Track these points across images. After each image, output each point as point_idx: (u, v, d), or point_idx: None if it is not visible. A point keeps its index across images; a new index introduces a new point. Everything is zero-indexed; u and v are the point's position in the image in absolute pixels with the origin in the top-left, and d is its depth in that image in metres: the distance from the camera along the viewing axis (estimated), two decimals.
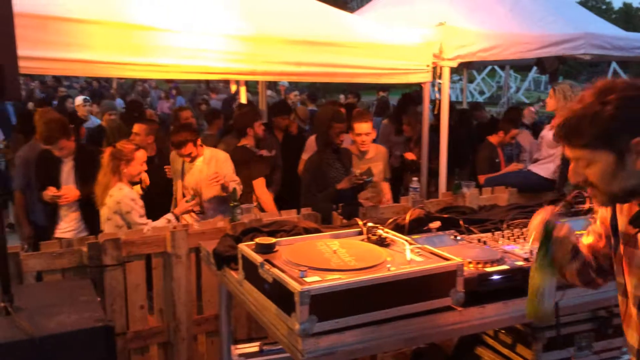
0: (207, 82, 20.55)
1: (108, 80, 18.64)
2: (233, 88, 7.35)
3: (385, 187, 5.06)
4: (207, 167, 4.57)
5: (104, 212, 4.05)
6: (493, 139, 6.01)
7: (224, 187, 4.43)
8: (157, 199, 4.81)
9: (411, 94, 7.50)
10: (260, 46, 4.04)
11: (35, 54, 3.30)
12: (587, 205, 3.17)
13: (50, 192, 4.33)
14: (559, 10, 6.23)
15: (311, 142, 5.38)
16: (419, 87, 5.37)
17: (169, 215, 4.22)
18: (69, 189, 4.39)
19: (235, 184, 4.49)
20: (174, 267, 3.49)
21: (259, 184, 4.80)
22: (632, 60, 10.70)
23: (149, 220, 4.06)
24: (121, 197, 3.98)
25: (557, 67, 7.37)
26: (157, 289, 3.54)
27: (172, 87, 16.34)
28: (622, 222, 1.71)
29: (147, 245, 3.44)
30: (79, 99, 8.96)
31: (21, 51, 2.39)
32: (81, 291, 2.81)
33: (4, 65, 2.28)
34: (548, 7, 6.13)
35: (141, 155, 4.15)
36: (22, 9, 2.71)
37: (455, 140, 5.74)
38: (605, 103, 1.52)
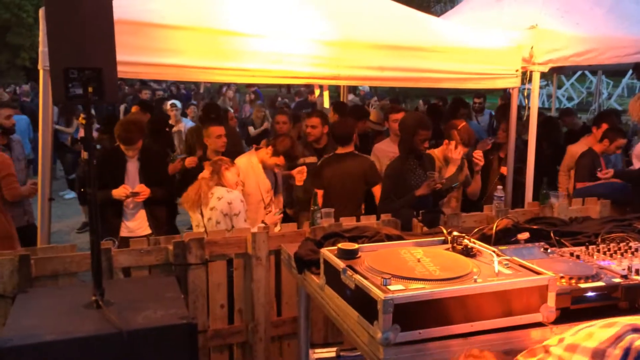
0: (288, 86, 20.90)
1: (197, 84, 19.31)
2: (317, 92, 7.40)
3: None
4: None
5: (205, 212, 4.14)
6: (596, 146, 5.70)
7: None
8: None
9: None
10: (345, 51, 4.04)
11: (130, 58, 3.46)
12: None
13: (124, 190, 4.47)
14: None
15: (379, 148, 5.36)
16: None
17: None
18: (143, 187, 4.51)
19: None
20: (254, 269, 3.54)
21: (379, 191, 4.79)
22: None
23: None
24: (232, 198, 4.09)
25: None
26: (237, 290, 3.61)
27: (251, 91, 16.68)
28: None
29: (229, 245, 3.50)
30: (167, 104, 9.40)
31: (118, 56, 2.50)
32: (167, 288, 2.90)
33: (104, 69, 2.39)
34: None
35: (235, 167, 4.29)
36: (119, 16, 2.85)
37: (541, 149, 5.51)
38: None
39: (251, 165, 4.64)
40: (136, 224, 4.62)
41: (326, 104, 6.52)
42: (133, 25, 3.49)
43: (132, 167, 4.63)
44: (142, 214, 4.63)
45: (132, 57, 3.49)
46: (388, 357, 1.84)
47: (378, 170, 4.87)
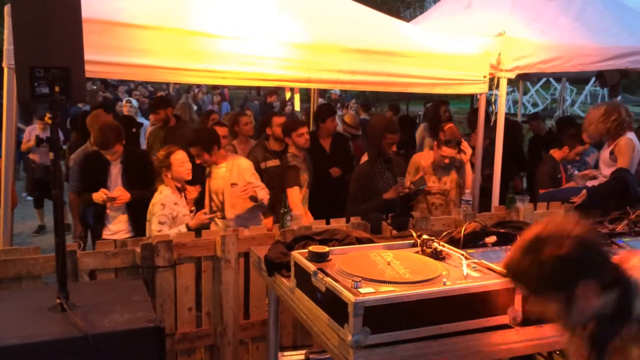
0: (258, 89, 20.82)
1: (167, 85, 19.13)
2: (288, 95, 7.40)
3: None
4: (230, 174, 4.60)
5: (152, 218, 4.18)
6: (556, 153, 5.83)
7: (253, 198, 4.45)
8: None
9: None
10: (316, 54, 4.05)
11: (99, 58, 3.39)
12: None
13: (103, 194, 4.41)
14: (625, 21, 5.98)
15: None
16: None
17: (182, 227, 4.10)
18: (121, 192, 4.46)
19: (263, 191, 4.52)
20: (223, 271, 3.51)
21: (293, 193, 4.75)
22: None
23: (164, 229, 4.06)
24: (156, 200, 4.14)
25: (619, 81, 7.11)
26: (205, 292, 3.57)
27: (217, 92, 16.55)
28: None
29: (197, 248, 3.47)
30: (123, 101, 9.43)
31: (87, 55, 2.46)
32: (134, 291, 2.86)
33: (72, 69, 2.35)
34: (614, 18, 5.89)
35: (180, 157, 4.23)
36: (87, 15, 2.80)
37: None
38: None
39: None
40: (118, 227, 4.55)
41: (297, 106, 6.52)
42: (102, 24, 3.43)
43: (115, 170, 4.58)
44: (124, 217, 4.58)
45: (101, 57, 3.42)
46: None
47: (293, 175, 4.83)
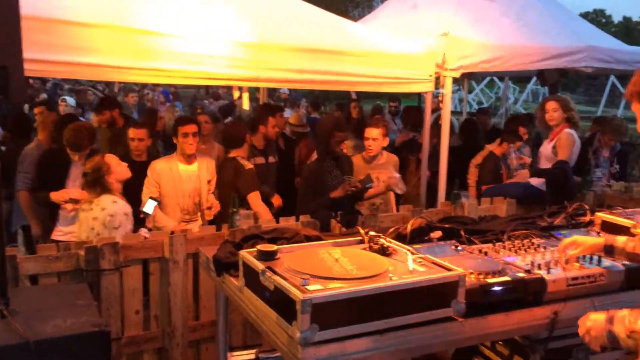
0: (207, 87, 20.55)
1: (109, 84, 18.63)
2: (236, 94, 7.33)
3: (391, 197, 5.15)
4: (205, 173, 4.59)
5: (87, 221, 3.86)
6: (496, 150, 6.01)
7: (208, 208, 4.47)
8: None
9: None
10: (264, 53, 4.04)
11: (41, 56, 3.29)
12: (587, 218, 3.17)
13: (65, 194, 4.27)
14: (563, 22, 6.23)
15: None
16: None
17: (143, 231, 4.02)
18: (80, 194, 4.29)
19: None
20: (171, 273, 3.47)
21: (254, 198, 4.70)
22: (631, 74, 10.62)
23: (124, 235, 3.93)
24: (115, 210, 3.83)
25: (558, 80, 7.37)
26: (153, 295, 3.52)
27: (159, 92, 16.24)
28: None
29: (145, 250, 3.42)
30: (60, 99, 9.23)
31: (27, 54, 2.38)
32: (78, 295, 2.78)
33: (9, 67, 2.27)
34: (552, 19, 6.12)
35: (112, 159, 4.01)
36: (28, 12, 2.71)
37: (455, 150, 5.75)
38: None
39: (169, 168, 4.52)
40: (70, 228, 4.38)
41: (245, 105, 6.48)
42: (44, 22, 3.32)
43: (77, 170, 4.42)
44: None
45: (43, 55, 3.32)
46: (307, 357, 1.87)
47: (251, 180, 4.78)
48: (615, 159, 6.33)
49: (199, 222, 4.54)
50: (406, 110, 7.71)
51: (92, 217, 3.83)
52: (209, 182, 4.64)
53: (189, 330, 3.61)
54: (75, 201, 4.28)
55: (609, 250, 2.41)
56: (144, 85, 15.49)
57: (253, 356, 3.02)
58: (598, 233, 2.95)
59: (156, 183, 4.45)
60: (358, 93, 11.58)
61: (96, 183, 3.89)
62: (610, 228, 2.91)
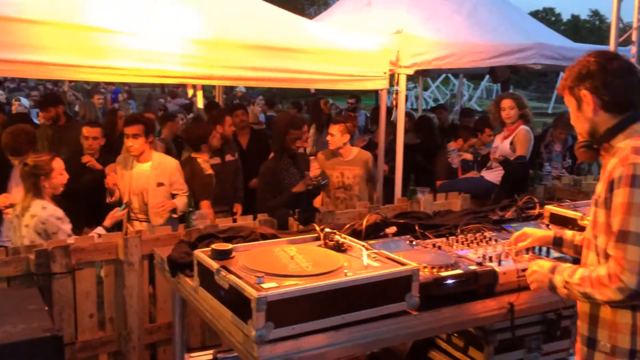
0: (163, 86, 20.23)
1: (57, 82, 18.13)
2: (190, 92, 7.27)
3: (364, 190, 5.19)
4: (155, 173, 4.44)
5: (21, 229, 3.66)
6: (451, 145, 6.12)
7: (173, 211, 4.37)
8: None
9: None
10: (218, 50, 4.01)
11: None
12: (536, 211, 3.26)
13: (5, 199, 4.13)
14: (512, 20, 6.40)
15: None
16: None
17: (99, 229, 3.93)
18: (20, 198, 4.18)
19: (183, 195, 4.42)
20: (126, 275, 3.41)
21: (205, 207, 4.66)
22: None
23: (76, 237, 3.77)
24: (46, 217, 3.63)
25: (509, 77, 7.56)
26: (108, 297, 3.45)
27: (112, 90, 15.93)
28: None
29: (98, 252, 3.35)
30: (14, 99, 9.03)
31: None
32: (28, 300, 2.71)
33: None
34: (502, 17, 6.29)
35: (59, 165, 3.80)
36: None
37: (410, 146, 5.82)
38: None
39: (125, 164, 4.44)
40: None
41: (200, 104, 6.42)
42: None
43: (19, 174, 4.26)
44: None
45: None
46: (263, 355, 1.86)
47: (206, 186, 4.75)
48: (567, 153, 6.54)
49: (145, 223, 4.42)
50: (373, 111, 7.82)
51: (24, 224, 3.66)
52: (160, 184, 4.42)
53: (145, 332, 3.55)
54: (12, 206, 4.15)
55: (558, 243, 2.48)
56: (97, 84, 15.14)
57: (211, 357, 2.99)
58: (547, 225, 3.03)
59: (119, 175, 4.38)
60: (318, 90, 11.63)
61: (30, 180, 3.68)
62: (558, 220, 3.01)
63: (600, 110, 2.03)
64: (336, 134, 4.98)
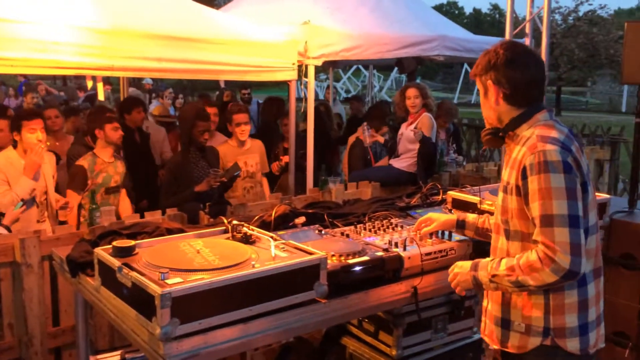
0: (64, 78, 19.24)
1: None
2: (89, 84, 6.94)
3: (264, 182, 5.21)
4: (49, 168, 4.26)
5: None
6: (360, 135, 6.23)
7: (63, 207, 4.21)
8: None
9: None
10: (119, 40, 3.85)
11: None
12: (440, 197, 3.39)
13: None
14: (416, 13, 6.58)
15: None
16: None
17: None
18: None
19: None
20: (25, 278, 3.23)
21: (70, 197, 4.43)
22: None
23: None
24: None
25: (415, 68, 7.78)
26: (6, 302, 3.26)
27: (22, 82, 14.97)
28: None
29: None
30: None
31: None
32: None
33: None
34: (407, 10, 6.45)
35: None
36: None
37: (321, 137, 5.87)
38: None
39: (10, 162, 4.12)
40: None
41: (101, 96, 6.13)
42: None
43: None
44: None
45: None
46: (169, 352, 1.82)
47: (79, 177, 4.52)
48: (451, 139, 6.86)
49: (47, 222, 4.20)
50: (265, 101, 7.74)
51: None
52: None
53: (48, 337, 3.39)
54: None
55: (461, 225, 2.60)
56: None
57: (118, 357, 2.89)
58: (450, 210, 3.16)
59: (5, 177, 4.08)
60: (227, 83, 11.45)
61: None
62: (460, 205, 3.13)
63: (503, 102, 2.09)
64: (249, 124, 5.03)
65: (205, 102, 6.14)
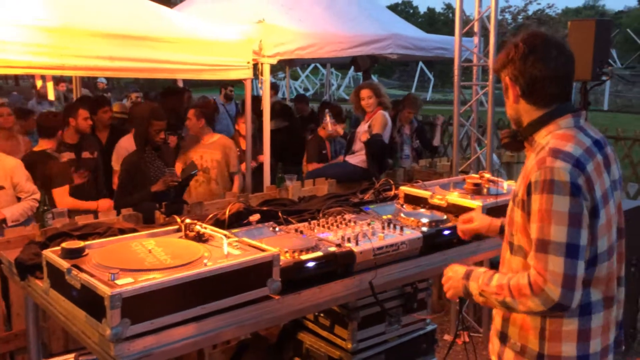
0: (16, 78, 18.71)
1: None
2: (39, 84, 6.76)
3: (235, 181, 5.29)
4: None
5: None
6: (321, 132, 6.28)
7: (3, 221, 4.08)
8: None
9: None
10: (70, 39, 3.77)
11: None
12: (392, 192, 3.45)
13: None
14: (370, 12, 6.67)
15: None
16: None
17: None
18: None
19: (29, 198, 4.14)
20: None
21: (60, 194, 4.41)
22: (435, 60, 11.63)
23: None
24: None
25: (370, 66, 7.86)
26: None
27: None
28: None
29: None
30: None
31: None
32: None
33: None
34: (360, 9, 6.53)
35: None
36: None
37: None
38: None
39: None
40: None
41: (51, 95, 5.99)
42: None
43: None
44: None
45: None
46: (120, 353, 1.81)
47: (62, 173, 4.56)
48: (414, 135, 6.99)
49: None
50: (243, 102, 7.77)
51: None
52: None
53: (0, 341, 3.32)
54: None
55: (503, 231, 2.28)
56: None
57: None
58: (402, 205, 3.22)
59: None
60: (186, 81, 11.33)
61: None
62: (411, 200, 3.20)
63: (522, 100, 1.93)
64: (192, 118, 5.16)
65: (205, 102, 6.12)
